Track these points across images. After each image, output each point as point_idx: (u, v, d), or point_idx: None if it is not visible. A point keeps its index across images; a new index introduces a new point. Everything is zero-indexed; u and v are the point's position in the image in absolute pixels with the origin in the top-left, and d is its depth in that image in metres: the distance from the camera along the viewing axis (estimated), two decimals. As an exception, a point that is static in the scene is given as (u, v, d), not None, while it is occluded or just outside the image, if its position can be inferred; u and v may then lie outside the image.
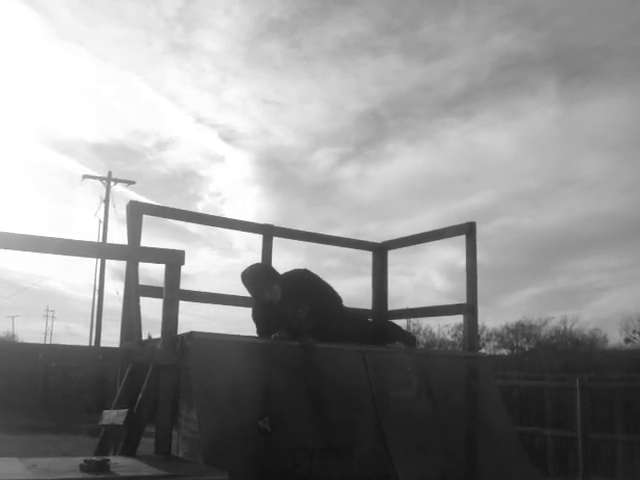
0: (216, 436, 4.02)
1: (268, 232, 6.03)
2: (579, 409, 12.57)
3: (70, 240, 4.16)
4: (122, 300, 5.28)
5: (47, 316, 69.45)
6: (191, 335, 4.30)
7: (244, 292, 5.14)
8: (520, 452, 5.56)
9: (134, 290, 4.97)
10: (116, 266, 39.99)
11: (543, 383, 13.39)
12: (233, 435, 4.06)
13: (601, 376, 13.15)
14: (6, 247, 3.94)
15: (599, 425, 12.43)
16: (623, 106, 54.36)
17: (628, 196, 55.35)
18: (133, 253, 4.85)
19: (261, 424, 4.12)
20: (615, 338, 38.39)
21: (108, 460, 3.54)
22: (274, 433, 4.13)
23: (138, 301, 4.96)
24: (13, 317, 57.11)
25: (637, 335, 32.30)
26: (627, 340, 32.63)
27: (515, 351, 34.44)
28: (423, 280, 56.46)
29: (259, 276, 4.94)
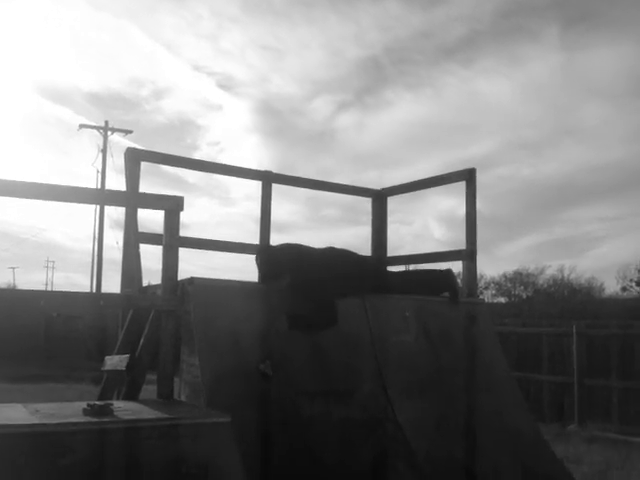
0: (217, 380, 4.06)
1: (267, 179, 5.99)
2: (575, 355, 12.71)
3: (70, 187, 4.15)
4: (122, 249, 5.29)
5: (47, 267, 69.84)
6: (192, 280, 4.32)
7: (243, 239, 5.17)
8: (517, 397, 5.64)
9: (133, 237, 4.97)
10: (115, 216, 40.04)
11: (540, 330, 13.51)
12: (234, 379, 4.10)
13: (597, 323, 13.26)
14: (8, 195, 3.93)
15: (595, 371, 12.58)
16: (626, 53, 53.61)
17: (629, 145, 55.06)
18: (132, 199, 4.84)
19: (262, 368, 4.16)
20: (612, 287, 38.68)
21: (111, 404, 3.57)
22: (275, 377, 4.18)
23: (138, 248, 4.96)
24: (13, 268, 57.24)
25: (634, 284, 32.48)
26: (624, 289, 32.84)
27: (513, 299, 34.68)
28: (422, 229, 56.50)
29: None
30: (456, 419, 4.86)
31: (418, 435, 4.56)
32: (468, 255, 5.82)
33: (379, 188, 6.82)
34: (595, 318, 13.54)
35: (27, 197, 4.04)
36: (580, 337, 12.72)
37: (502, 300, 34.60)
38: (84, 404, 3.48)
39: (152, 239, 5.02)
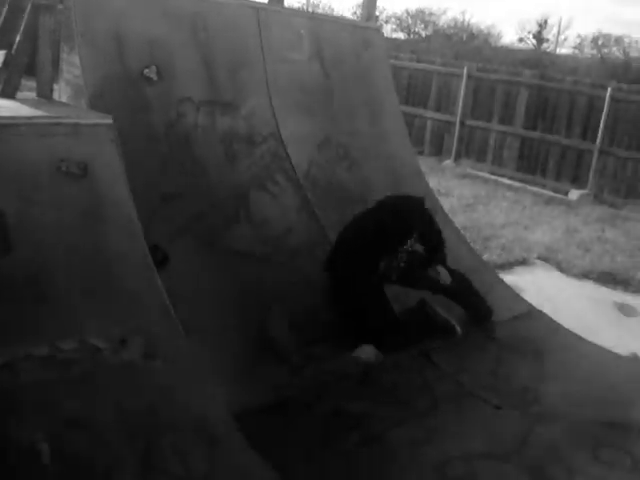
0: (100, 82, 3.91)
1: None
2: (462, 96, 13.07)
3: None
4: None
5: None
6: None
7: None
8: (401, 128, 5.82)
9: None
10: None
11: (432, 67, 13.64)
12: (118, 82, 3.96)
13: (488, 67, 13.48)
14: None
15: (477, 114, 13.07)
16: None
17: None
18: None
19: (147, 73, 4.03)
20: (510, 37, 38.81)
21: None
22: (160, 83, 4.07)
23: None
24: None
25: (531, 36, 32.75)
26: (520, 39, 33.09)
27: (412, 36, 34.34)
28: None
29: None
30: (339, 139, 5.00)
31: (300, 153, 4.70)
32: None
33: None
34: (487, 63, 13.72)
35: None
36: (469, 79, 12.99)
37: (401, 36, 34.22)
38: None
39: None
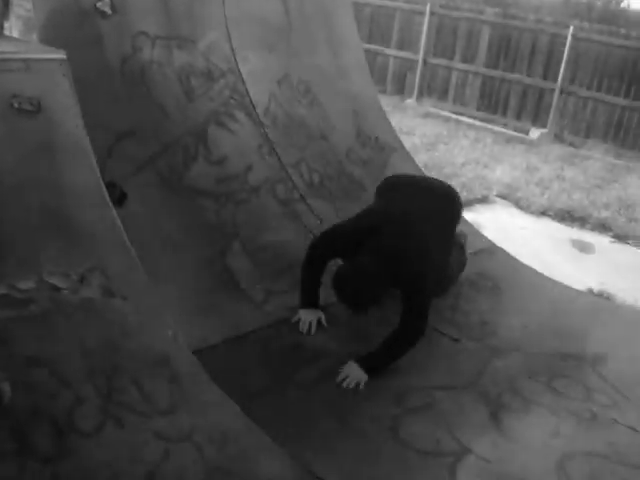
0: (51, 15, 3.77)
1: None
2: (425, 33, 12.95)
3: None
4: None
5: None
6: None
7: None
8: (363, 66, 5.74)
9: None
10: None
11: (396, 4, 13.41)
12: (70, 15, 3.82)
13: (451, 4, 13.33)
14: None
15: (440, 52, 12.98)
16: None
17: None
18: None
19: (100, 6, 3.89)
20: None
21: None
22: (114, 16, 3.92)
23: None
24: None
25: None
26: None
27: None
28: None
29: None
30: (299, 74, 4.92)
31: (260, 89, 4.62)
32: None
33: None
34: (450, 0, 13.55)
35: None
36: (432, 16, 12.85)
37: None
38: None
39: None
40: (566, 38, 11.34)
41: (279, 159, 4.54)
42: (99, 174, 3.10)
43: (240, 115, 4.42)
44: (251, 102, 4.53)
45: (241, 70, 4.52)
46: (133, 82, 4.01)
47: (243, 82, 4.52)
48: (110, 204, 3.12)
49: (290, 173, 4.54)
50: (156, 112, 4.07)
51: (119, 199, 3.55)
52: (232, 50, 4.50)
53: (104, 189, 3.12)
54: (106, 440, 2.56)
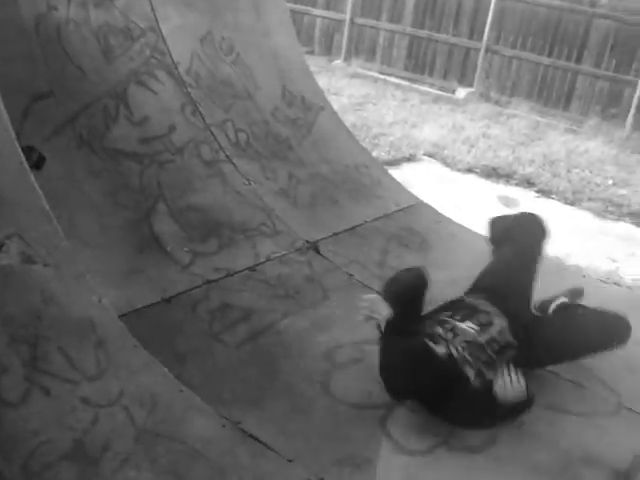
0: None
1: None
2: (351, -7, 12.86)
3: None
4: None
5: None
6: None
7: None
8: (287, 22, 5.67)
9: None
10: None
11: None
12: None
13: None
14: None
15: (367, 12, 12.92)
16: None
17: None
18: None
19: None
20: None
21: None
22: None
23: None
24: None
25: None
26: None
27: None
28: None
29: None
30: (222, 33, 4.82)
31: (181, 47, 4.51)
32: None
33: None
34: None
35: None
36: (359, -25, 12.77)
37: None
38: None
39: None
40: (491, -3, 11.45)
41: (203, 119, 4.46)
42: (14, 136, 2.98)
43: (162, 74, 4.31)
44: (173, 61, 4.42)
45: (162, 28, 4.40)
46: (49, 42, 3.84)
47: (164, 40, 4.40)
48: (27, 168, 3.02)
49: (215, 133, 4.46)
50: (74, 72, 3.93)
51: (37, 163, 3.43)
52: (152, 8, 4.37)
53: (21, 154, 3.01)
54: (32, 409, 2.51)
